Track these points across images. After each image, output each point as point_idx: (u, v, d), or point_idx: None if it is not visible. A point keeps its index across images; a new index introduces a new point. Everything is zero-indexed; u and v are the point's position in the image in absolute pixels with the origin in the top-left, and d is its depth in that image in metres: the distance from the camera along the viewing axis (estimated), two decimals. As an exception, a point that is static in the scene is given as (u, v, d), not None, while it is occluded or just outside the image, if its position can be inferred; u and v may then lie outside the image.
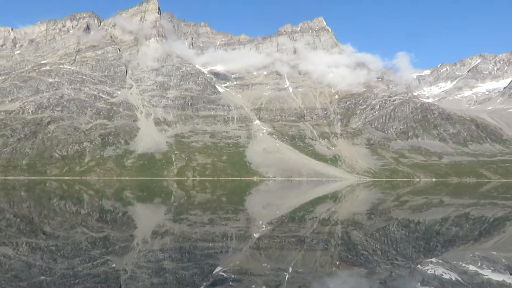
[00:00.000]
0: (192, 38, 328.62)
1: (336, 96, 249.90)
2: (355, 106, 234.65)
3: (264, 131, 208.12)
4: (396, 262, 14.26)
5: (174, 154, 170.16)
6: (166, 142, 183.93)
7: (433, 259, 14.67)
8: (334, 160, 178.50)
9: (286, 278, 12.19)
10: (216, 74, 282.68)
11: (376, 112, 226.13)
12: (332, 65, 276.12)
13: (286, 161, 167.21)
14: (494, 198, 51.18)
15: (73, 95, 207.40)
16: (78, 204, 36.90)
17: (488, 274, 12.90)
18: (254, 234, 19.61)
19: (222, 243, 17.18)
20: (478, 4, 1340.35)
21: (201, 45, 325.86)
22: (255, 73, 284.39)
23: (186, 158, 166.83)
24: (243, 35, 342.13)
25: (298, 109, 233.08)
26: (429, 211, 32.74)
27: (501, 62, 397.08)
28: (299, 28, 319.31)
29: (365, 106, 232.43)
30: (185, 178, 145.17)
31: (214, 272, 12.75)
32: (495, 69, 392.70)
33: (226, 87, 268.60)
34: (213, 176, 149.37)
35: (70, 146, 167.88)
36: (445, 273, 12.86)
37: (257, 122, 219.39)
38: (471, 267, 13.68)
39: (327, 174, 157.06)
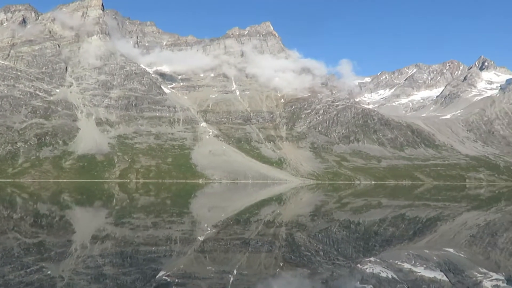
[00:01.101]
0: (137, 37, 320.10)
1: (282, 100, 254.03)
2: (300, 110, 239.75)
3: (211, 133, 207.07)
4: (337, 262, 14.72)
5: (117, 156, 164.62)
6: (108, 143, 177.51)
7: (372, 258, 15.30)
8: (279, 163, 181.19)
9: (231, 281, 12.18)
10: (162, 75, 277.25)
11: (320, 117, 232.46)
12: (279, 69, 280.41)
13: (232, 163, 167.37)
14: (427, 199, 54.35)
15: (6, 92, 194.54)
16: (10, 208, 34.60)
17: (421, 271, 13.67)
18: (199, 237, 19.43)
19: (165, 247, 16.86)
20: (415, 19, 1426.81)
21: (147, 44, 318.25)
22: (202, 75, 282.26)
23: (129, 160, 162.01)
24: (190, 36, 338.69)
25: (244, 112, 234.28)
26: (368, 213, 34.16)
27: (434, 72, 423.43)
28: (247, 31, 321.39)
29: (309, 110, 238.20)
30: (128, 180, 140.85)
31: (157, 276, 12.47)
32: (429, 78, 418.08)
33: (172, 88, 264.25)
34: (157, 179, 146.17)
35: (2, 146, 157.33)
36: (382, 271, 13.46)
37: (203, 124, 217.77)
38: (406, 265, 14.43)
39: (273, 177, 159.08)
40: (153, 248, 16.45)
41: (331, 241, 19.26)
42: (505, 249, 17.68)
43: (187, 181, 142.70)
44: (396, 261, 14.98)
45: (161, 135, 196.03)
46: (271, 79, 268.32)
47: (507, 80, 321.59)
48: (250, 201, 49.55)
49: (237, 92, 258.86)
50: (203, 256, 15.39)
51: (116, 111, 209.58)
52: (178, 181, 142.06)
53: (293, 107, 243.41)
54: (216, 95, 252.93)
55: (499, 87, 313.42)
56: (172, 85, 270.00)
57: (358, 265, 14.31)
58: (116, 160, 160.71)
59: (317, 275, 12.95)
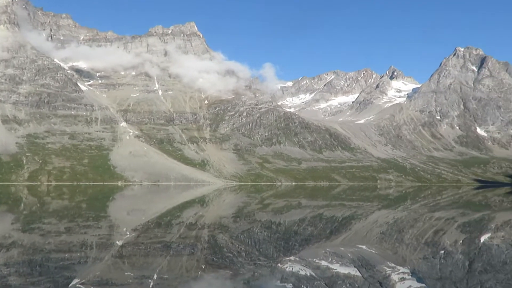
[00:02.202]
0: (51, 30, 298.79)
1: (206, 102, 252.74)
2: (224, 112, 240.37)
3: (131, 133, 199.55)
4: (258, 262, 14.96)
5: (26, 157, 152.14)
6: (16, 143, 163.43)
7: (291, 257, 15.79)
8: (202, 165, 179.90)
9: (151, 286, 11.84)
10: (79, 71, 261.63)
11: (244, 119, 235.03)
12: (203, 70, 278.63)
13: (153, 165, 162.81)
14: (343, 199, 57.38)
15: None
16: None
17: (337, 268, 14.39)
18: (117, 242, 18.64)
19: (80, 253, 15.92)
20: (333, 28, 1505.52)
21: (62, 38, 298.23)
22: (122, 73, 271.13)
23: (40, 161, 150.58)
24: (111, 32, 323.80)
25: (167, 113, 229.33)
26: (289, 213, 35.22)
27: (351, 79, 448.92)
28: (171, 30, 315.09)
29: (233, 112, 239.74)
30: (38, 183, 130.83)
31: (70, 285, 11.73)
32: (346, 85, 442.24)
33: (90, 85, 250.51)
34: (72, 181, 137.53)
35: None
36: (301, 270, 13.95)
37: (123, 124, 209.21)
38: (323, 263, 15.09)
39: (195, 179, 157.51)
40: (66, 255, 15.45)
41: (252, 241, 19.53)
42: (410, 244, 19.22)
43: (105, 183, 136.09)
44: (314, 259, 15.60)
45: (76, 135, 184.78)
46: (195, 80, 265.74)
47: (413, 89, 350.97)
48: (172, 203, 48.61)
49: (160, 92, 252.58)
50: (121, 261, 14.78)
51: (25, 108, 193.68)
52: (95, 183, 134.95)
53: (217, 109, 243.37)
54: (138, 94, 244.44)
55: (407, 95, 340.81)
56: (89, 83, 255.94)
57: (279, 264, 14.68)
58: (24, 161, 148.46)
59: (238, 276, 13.05)
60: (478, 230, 25.04)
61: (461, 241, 20.43)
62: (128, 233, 21.41)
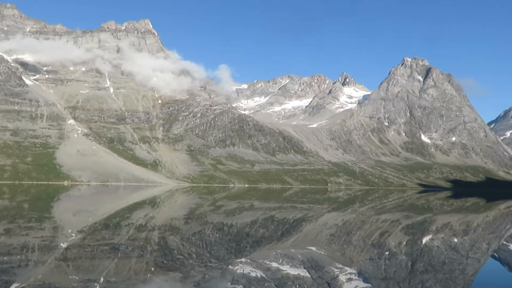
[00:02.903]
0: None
1: (160, 101, 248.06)
2: (177, 112, 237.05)
3: (79, 132, 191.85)
4: (209, 264, 14.88)
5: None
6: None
7: (243, 259, 15.82)
8: (154, 165, 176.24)
9: (97, 289, 11.44)
10: (24, 64, 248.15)
11: (198, 120, 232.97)
12: (157, 69, 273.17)
13: (102, 164, 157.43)
14: (294, 202, 58.28)
15: None
16: None
17: (287, 269, 14.59)
18: (62, 244, 17.86)
19: (21, 256, 15.09)
20: (289, 33, 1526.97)
21: (6, 29, 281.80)
22: (71, 68, 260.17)
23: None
24: (60, 25, 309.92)
25: (119, 111, 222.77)
26: (241, 215, 35.29)
27: (305, 84, 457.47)
28: (124, 27, 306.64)
29: (187, 113, 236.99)
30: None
31: (8, 289, 11.09)
32: (300, 89, 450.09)
33: (36, 80, 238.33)
34: (13, 180, 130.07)
35: None
36: (252, 271, 14.01)
37: (71, 121, 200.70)
38: (274, 264, 15.25)
39: (147, 179, 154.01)
40: (5, 258, 14.59)
41: (204, 243, 19.39)
42: (357, 245, 19.85)
43: (49, 183, 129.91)
44: (265, 261, 15.73)
45: (19, 132, 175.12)
46: (148, 78, 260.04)
47: (363, 96, 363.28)
48: (122, 204, 47.25)
49: (111, 90, 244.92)
50: (65, 264, 14.17)
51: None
52: (39, 182, 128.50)
53: (171, 109, 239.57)
54: (87, 91, 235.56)
55: (357, 102, 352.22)
56: (35, 77, 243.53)
57: (230, 266, 14.67)
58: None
59: (189, 278, 12.91)
60: (420, 232, 26.29)
61: (404, 243, 21.35)
62: (73, 235, 20.58)
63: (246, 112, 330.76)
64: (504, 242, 22.85)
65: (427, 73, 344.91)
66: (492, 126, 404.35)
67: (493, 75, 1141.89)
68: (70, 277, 12.62)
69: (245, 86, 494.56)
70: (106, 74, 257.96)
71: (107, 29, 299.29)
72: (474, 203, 68.54)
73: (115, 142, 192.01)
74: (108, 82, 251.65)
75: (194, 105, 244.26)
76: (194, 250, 17.50)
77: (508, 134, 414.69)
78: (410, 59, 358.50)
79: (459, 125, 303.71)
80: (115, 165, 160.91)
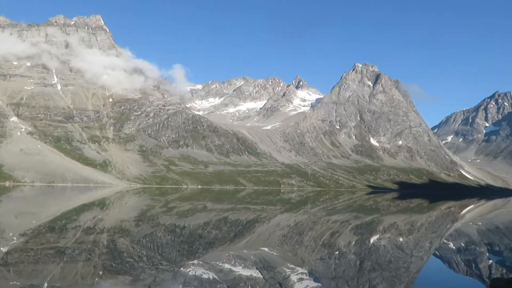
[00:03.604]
0: None
1: (111, 100, 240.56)
2: (129, 112, 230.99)
3: (23, 130, 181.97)
4: (160, 266, 14.60)
5: None
6: None
7: (195, 261, 15.67)
8: (104, 166, 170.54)
9: (40, 295, 10.90)
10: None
11: (150, 120, 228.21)
12: (108, 67, 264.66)
13: (48, 164, 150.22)
14: (248, 203, 58.48)
15: None
16: None
17: (240, 270, 14.61)
18: (1, 248, 16.86)
19: (-45, 262, 14.08)
20: (244, 34, 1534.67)
21: None
22: (15, 63, 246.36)
23: None
24: (3, 17, 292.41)
25: (66, 109, 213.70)
26: (194, 216, 34.92)
27: (259, 86, 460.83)
28: (73, 22, 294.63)
29: (140, 112, 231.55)
30: None
31: None
32: (254, 91, 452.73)
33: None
34: None
35: None
36: (204, 273, 13.91)
37: (14, 119, 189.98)
38: (226, 265, 15.22)
39: (96, 180, 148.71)
40: None
41: (155, 246, 19.01)
42: (308, 246, 20.23)
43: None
44: (218, 262, 15.66)
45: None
46: (99, 76, 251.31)
47: (316, 99, 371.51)
48: (68, 206, 45.30)
49: (59, 87, 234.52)
50: (6, 269, 13.38)
51: None
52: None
53: (122, 108, 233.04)
54: (33, 87, 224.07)
55: (310, 105, 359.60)
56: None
57: (182, 268, 14.47)
58: None
59: (139, 282, 12.61)
60: (368, 232, 27.22)
61: (353, 242, 22.02)
62: (15, 238, 19.49)
63: (200, 113, 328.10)
64: (445, 241, 24.15)
65: (376, 78, 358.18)
66: (435, 131, 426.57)
67: (436, 83, 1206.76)
68: (11, 282, 11.94)
69: (199, 86, 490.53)
70: (53, 70, 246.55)
71: (55, 23, 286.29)
72: (418, 204, 71.94)
73: (62, 141, 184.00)
74: (56, 79, 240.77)
75: (147, 104, 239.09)
76: (144, 253, 17.11)
77: (449, 138, 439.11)
78: (360, 65, 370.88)
79: (405, 130, 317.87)
80: (61, 165, 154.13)
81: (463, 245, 22.62)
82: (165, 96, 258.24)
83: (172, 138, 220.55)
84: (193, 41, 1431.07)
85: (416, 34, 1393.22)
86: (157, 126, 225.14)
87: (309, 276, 14.26)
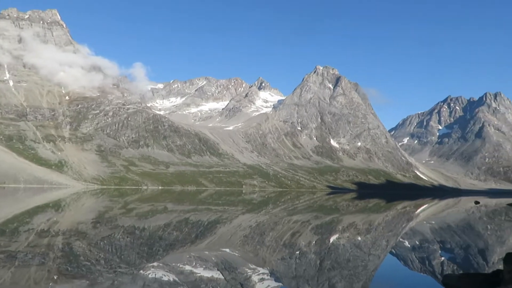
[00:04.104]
0: None
1: (67, 98, 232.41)
2: (87, 110, 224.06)
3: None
4: (119, 269, 14.25)
5: None
6: None
7: (155, 263, 15.40)
8: (59, 166, 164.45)
9: (-11, 302, 10.36)
10: None
11: (109, 119, 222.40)
12: (65, 63, 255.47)
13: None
14: (209, 204, 58.16)
15: None
16: None
17: (201, 272, 14.50)
18: None
19: None
20: (207, 34, 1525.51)
21: None
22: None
23: None
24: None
25: (19, 107, 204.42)
26: (154, 218, 34.33)
27: (221, 86, 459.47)
28: (28, 16, 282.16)
29: (98, 111, 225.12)
30: None
31: None
32: (217, 92, 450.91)
33: None
34: None
35: None
36: (165, 275, 13.69)
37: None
38: (187, 267, 15.06)
39: (51, 181, 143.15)
40: None
41: (113, 248, 18.52)
42: (270, 246, 20.37)
43: None
44: (178, 264, 15.47)
45: None
46: (55, 73, 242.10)
47: (278, 101, 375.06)
48: (20, 207, 43.31)
49: (11, 83, 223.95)
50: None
51: None
52: None
53: (80, 106, 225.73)
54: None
55: (273, 106, 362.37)
56: None
57: (141, 271, 14.19)
58: None
59: (96, 285, 12.24)
60: (328, 231, 27.76)
61: (314, 242, 22.39)
62: (-39, 243, 18.42)
63: (161, 113, 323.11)
64: (401, 239, 25.01)
65: (337, 81, 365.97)
66: (392, 133, 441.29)
67: (394, 87, 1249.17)
68: (-44, 290, 11.29)
69: (160, 85, 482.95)
70: (5, 66, 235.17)
71: (7, 17, 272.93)
72: (376, 203, 74.12)
73: (14, 140, 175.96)
74: (7, 74, 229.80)
75: (106, 103, 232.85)
76: (102, 256, 16.63)
77: (405, 140, 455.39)
78: (322, 67, 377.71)
79: (364, 131, 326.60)
80: (13, 165, 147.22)
81: (417, 243, 23.51)
82: (125, 95, 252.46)
83: (132, 138, 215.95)
84: (155, 40, 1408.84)
85: (375, 40, 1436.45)
86: (117, 125, 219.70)
87: (270, 276, 14.36)
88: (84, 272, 13.68)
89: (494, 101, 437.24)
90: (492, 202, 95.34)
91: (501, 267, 13.23)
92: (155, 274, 13.78)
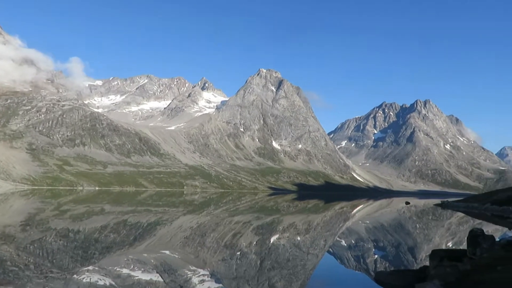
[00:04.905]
0: None
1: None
2: (17, 106, 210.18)
3: None
4: (50, 274, 13.51)
5: None
6: None
7: (90, 267, 14.77)
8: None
9: None
10: None
11: (42, 116, 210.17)
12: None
13: None
14: (149, 205, 56.78)
15: None
16: None
17: (139, 275, 14.11)
18: None
19: None
20: (148, 33, 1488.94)
21: None
22: None
23: None
24: None
25: None
26: (90, 219, 32.92)
27: (164, 85, 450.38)
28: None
29: (30, 107, 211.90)
30: None
31: None
32: (159, 91, 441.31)
33: None
34: None
35: None
36: (100, 279, 13.18)
37: None
38: (125, 270, 14.60)
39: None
40: None
41: (45, 252, 17.52)
42: (211, 247, 20.29)
43: None
44: (115, 267, 14.96)
45: None
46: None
47: (222, 102, 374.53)
48: None
49: None
50: None
51: None
52: None
53: (9, 101, 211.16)
54: None
55: (216, 107, 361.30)
56: None
57: (75, 275, 13.55)
58: None
59: (25, 292, 11.52)
60: (269, 232, 28.15)
61: (255, 242, 22.60)
62: None
63: (100, 110, 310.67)
64: (337, 239, 25.94)
65: (279, 84, 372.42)
66: (331, 136, 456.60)
67: (334, 91, 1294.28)
68: None
69: (99, 82, 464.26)
70: None
71: None
72: (315, 204, 76.29)
73: None
74: None
75: (39, 98, 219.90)
76: (32, 260, 15.67)
77: (343, 143, 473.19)
78: (265, 70, 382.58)
79: (304, 134, 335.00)
80: None
81: (353, 242, 24.51)
82: (60, 91, 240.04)
83: (67, 136, 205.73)
84: (94, 35, 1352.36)
85: (317, 45, 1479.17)
86: (50, 122, 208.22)
87: (210, 277, 14.30)
88: (11, 278, 12.82)
89: (424, 108, 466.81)
90: (421, 202, 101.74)
91: (427, 263, 14.16)
92: (90, 279, 13.22)
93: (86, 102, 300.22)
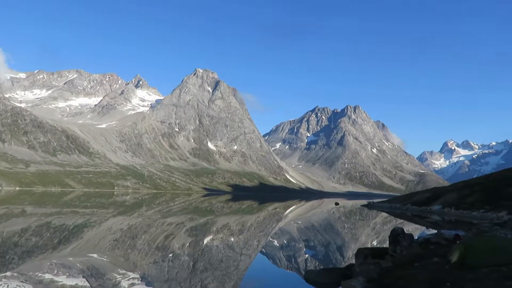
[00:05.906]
0: None
1: None
2: None
3: None
4: (-39, 282, 12.39)
5: None
6: None
7: (8, 273, 13.76)
8: None
9: None
10: None
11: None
12: None
13: None
14: (76, 206, 54.00)
15: None
16: None
17: (63, 279, 13.37)
18: None
19: None
20: (78, 26, 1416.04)
21: None
22: None
23: None
24: None
25: None
26: (9, 222, 30.62)
27: (95, 81, 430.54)
28: None
29: None
30: None
31: None
32: (89, 86, 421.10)
33: None
34: None
35: None
36: (20, 285, 12.33)
37: None
38: (47, 275, 13.76)
39: None
40: None
41: (-45, 258, 16.02)
42: (142, 250, 19.73)
43: None
44: (37, 273, 14.06)
45: None
46: None
47: (156, 100, 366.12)
48: None
49: None
50: None
51: None
52: None
53: None
54: None
55: (150, 105, 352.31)
56: None
57: (-10, 282, 12.53)
58: None
59: None
60: (202, 233, 27.96)
61: (188, 244, 22.33)
62: None
63: (23, 105, 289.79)
64: (270, 239, 26.40)
65: (216, 85, 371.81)
66: (266, 138, 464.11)
67: (269, 94, 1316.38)
68: None
69: (23, 75, 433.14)
70: None
71: None
72: (249, 205, 77.02)
73: None
74: None
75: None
76: None
77: (278, 145, 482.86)
78: (202, 70, 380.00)
79: (240, 135, 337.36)
80: None
81: (285, 242, 25.09)
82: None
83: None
84: (19, 25, 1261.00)
85: (254, 46, 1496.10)
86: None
87: (141, 280, 13.91)
88: None
89: (353, 113, 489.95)
90: (349, 203, 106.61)
91: (354, 261, 14.88)
92: (8, 285, 12.30)
93: (6, 95, 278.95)
